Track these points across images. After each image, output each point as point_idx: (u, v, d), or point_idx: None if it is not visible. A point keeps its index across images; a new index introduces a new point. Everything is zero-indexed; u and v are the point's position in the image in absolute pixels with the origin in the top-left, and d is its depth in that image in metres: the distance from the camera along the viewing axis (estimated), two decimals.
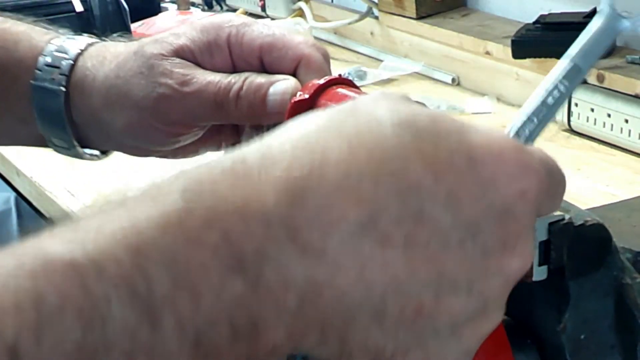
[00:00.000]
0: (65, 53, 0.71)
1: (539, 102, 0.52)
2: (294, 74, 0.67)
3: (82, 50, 0.72)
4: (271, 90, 0.66)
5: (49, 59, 0.71)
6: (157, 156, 0.72)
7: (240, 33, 0.68)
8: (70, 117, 0.72)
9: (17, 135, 0.77)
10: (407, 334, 0.42)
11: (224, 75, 0.67)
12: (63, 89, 0.71)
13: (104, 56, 0.71)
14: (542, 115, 0.51)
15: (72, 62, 0.71)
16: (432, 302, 0.42)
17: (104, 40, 0.74)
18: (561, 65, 0.53)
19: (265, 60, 0.68)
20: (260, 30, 0.68)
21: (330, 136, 0.42)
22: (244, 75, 0.67)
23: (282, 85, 0.66)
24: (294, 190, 0.40)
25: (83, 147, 0.74)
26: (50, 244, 0.38)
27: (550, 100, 0.51)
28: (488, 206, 0.42)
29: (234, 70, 0.68)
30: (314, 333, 0.41)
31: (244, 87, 0.66)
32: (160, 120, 0.68)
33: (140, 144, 0.71)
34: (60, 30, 0.75)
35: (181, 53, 0.68)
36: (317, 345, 0.41)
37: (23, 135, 0.76)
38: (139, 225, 0.39)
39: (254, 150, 0.42)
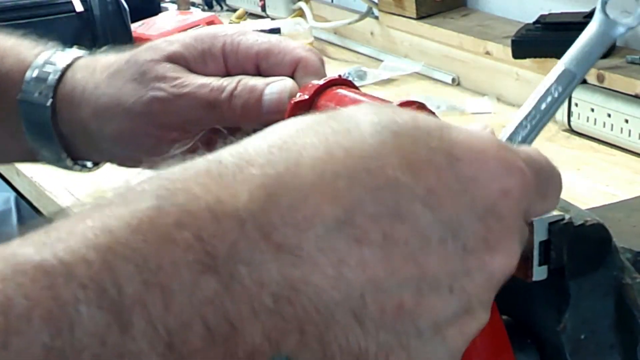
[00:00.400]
0: (53, 65, 0.72)
1: (532, 107, 0.52)
2: (291, 78, 0.67)
3: (70, 63, 0.72)
4: (267, 90, 0.66)
5: (35, 73, 0.71)
6: (148, 167, 0.72)
7: (235, 42, 0.68)
8: (58, 130, 0.72)
9: (8, 151, 0.77)
10: (389, 335, 0.41)
11: (217, 78, 0.67)
12: (49, 101, 0.71)
13: (94, 67, 0.71)
14: (536, 120, 0.51)
15: (59, 74, 0.71)
16: (412, 301, 0.41)
17: (97, 49, 0.74)
18: (555, 70, 0.53)
19: (262, 66, 0.68)
20: (256, 38, 0.68)
21: (308, 137, 0.42)
22: (237, 77, 0.67)
23: (279, 85, 0.66)
24: (268, 189, 0.40)
25: (74, 159, 0.75)
26: (21, 247, 0.37)
27: (543, 105, 0.51)
28: (469, 204, 0.42)
29: (226, 75, 0.68)
30: (293, 334, 0.40)
31: (238, 87, 0.66)
32: (152, 125, 0.68)
33: (132, 153, 0.71)
34: (50, 43, 0.75)
35: (174, 59, 0.68)
36: (298, 348, 0.40)
37: (14, 151, 0.76)
38: (110, 225, 0.38)
39: (230, 151, 0.42)
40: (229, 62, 0.68)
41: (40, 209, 1.43)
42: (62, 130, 0.72)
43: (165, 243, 0.38)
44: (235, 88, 0.66)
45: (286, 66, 0.67)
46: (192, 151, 0.69)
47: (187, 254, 0.38)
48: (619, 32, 0.55)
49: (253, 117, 0.66)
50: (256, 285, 0.39)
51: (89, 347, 0.36)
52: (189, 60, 0.68)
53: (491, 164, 0.43)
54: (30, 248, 0.37)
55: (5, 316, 0.35)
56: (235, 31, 0.69)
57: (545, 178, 0.46)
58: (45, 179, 1.41)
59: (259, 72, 0.68)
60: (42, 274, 0.36)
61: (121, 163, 0.73)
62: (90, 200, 0.40)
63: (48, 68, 0.71)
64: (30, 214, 1.51)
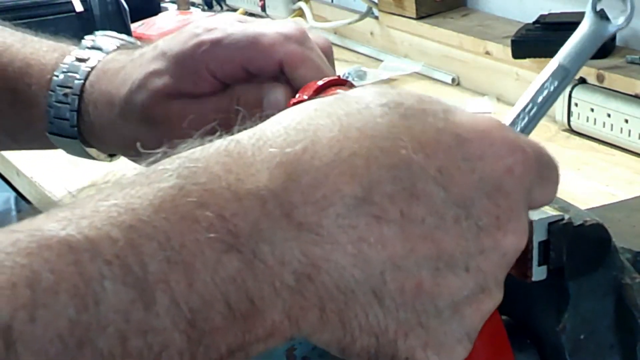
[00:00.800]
0: (76, 73, 0.72)
1: (529, 99, 0.52)
2: (283, 73, 0.66)
3: (93, 68, 0.72)
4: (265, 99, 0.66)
5: (61, 78, 0.72)
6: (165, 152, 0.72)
7: (216, 56, 0.66)
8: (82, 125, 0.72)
9: (26, 141, 0.78)
10: (408, 313, 0.42)
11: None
12: (75, 106, 0.71)
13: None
14: (533, 112, 0.52)
15: (83, 81, 0.72)
16: (431, 279, 0.41)
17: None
18: (550, 66, 0.54)
19: (251, 69, 0.67)
20: (234, 43, 0.66)
21: (321, 118, 0.42)
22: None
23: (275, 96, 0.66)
24: (288, 168, 0.40)
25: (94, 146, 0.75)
26: (46, 223, 0.38)
27: (540, 98, 0.52)
28: (479, 182, 0.43)
29: (223, 86, 0.68)
30: (313, 311, 0.40)
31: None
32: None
33: (155, 129, 0.69)
34: (65, 42, 0.75)
35: (165, 93, 0.68)
36: (318, 327, 0.41)
37: (32, 135, 0.76)
38: (134, 203, 0.39)
39: (247, 133, 0.43)
40: (218, 75, 0.67)
41: (41, 209, 1.43)
42: (86, 126, 0.72)
43: (187, 222, 0.38)
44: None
45: (271, 67, 0.66)
46: (212, 133, 0.69)
47: (209, 233, 0.38)
48: (609, 31, 0.56)
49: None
50: (278, 264, 0.39)
51: (114, 323, 0.36)
52: (180, 89, 0.68)
53: (495, 142, 0.43)
54: (55, 224, 0.38)
55: (32, 290, 0.36)
56: (212, 40, 0.66)
57: (546, 162, 0.46)
58: (45, 179, 1.41)
59: (250, 74, 0.67)
60: (68, 249, 0.37)
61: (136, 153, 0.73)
62: (111, 178, 0.41)
63: (72, 74, 0.72)
64: (30, 214, 1.51)
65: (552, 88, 0.53)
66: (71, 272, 0.36)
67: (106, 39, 0.75)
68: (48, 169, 1.42)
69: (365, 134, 0.41)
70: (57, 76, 0.72)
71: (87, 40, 0.74)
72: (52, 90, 0.72)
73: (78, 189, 0.42)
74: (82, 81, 0.72)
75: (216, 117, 0.65)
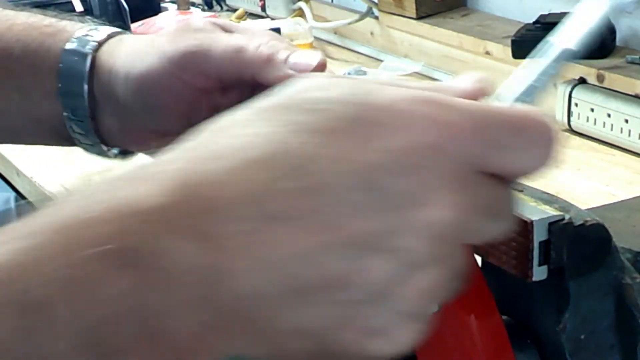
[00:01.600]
0: (91, 37, 0.74)
1: (525, 87, 0.51)
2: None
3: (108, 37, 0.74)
4: (293, 55, 0.66)
5: (75, 43, 0.74)
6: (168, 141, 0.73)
7: (205, 60, 0.68)
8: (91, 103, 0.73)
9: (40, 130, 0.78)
10: (339, 308, 0.41)
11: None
12: (90, 53, 0.72)
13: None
14: (539, 75, 0.50)
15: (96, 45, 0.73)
16: (349, 268, 0.41)
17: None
18: (552, 50, 0.52)
19: (244, 76, 0.68)
20: (219, 53, 0.68)
21: (222, 137, 0.43)
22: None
23: (307, 55, 0.66)
24: (187, 180, 0.40)
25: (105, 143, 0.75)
26: None
27: (539, 83, 0.50)
28: (390, 162, 0.41)
29: (223, 84, 0.69)
30: (236, 326, 0.40)
31: (268, 43, 0.67)
32: (186, 72, 0.68)
33: (161, 116, 0.71)
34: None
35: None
36: (249, 341, 0.40)
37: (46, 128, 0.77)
38: (35, 228, 0.38)
39: (155, 155, 0.43)
40: (219, 77, 0.68)
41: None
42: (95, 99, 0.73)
43: (82, 241, 0.38)
44: (265, 42, 0.67)
45: (251, 77, 0.67)
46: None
47: (105, 252, 0.38)
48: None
49: (275, 65, 0.66)
50: (179, 278, 0.39)
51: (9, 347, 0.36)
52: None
53: (414, 120, 0.42)
54: None
55: None
56: (197, 46, 0.68)
57: (499, 127, 0.44)
58: (45, 179, 1.41)
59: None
60: None
61: (142, 141, 0.74)
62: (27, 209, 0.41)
63: (88, 38, 0.74)
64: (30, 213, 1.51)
65: (555, 72, 0.51)
66: None
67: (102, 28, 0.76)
68: (48, 169, 1.42)
69: (260, 138, 0.41)
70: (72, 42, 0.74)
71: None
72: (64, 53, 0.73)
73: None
74: (95, 44, 0.73)
75: (237, 44, 0.67)
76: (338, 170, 0.41)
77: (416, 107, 0.43)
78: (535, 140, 0.46)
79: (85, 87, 0.73)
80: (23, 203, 1.52)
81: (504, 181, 0.45)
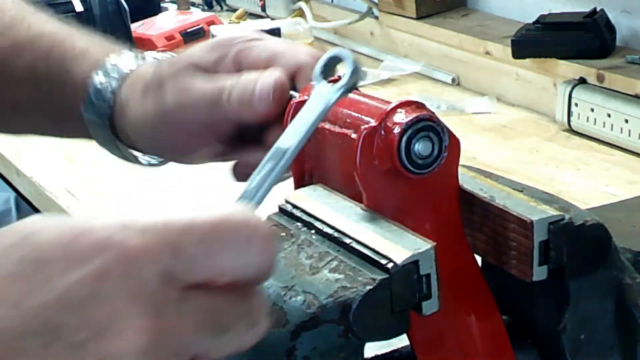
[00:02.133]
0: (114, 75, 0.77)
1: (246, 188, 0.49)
2: (292, 80, 0.69)
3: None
4: (258, 82, 0.68)
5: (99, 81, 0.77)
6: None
7: (247, 48, 0.71)
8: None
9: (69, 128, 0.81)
10: None
11: (224, 77, 0.70)
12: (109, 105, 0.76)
13: (135, 79, 0.76)
14: (259, 195, 0.48)
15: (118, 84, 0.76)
16: None
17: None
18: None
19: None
20: (267, 44, 0.71)
21: None
22: (238, 74, 0.70)
23: (270, 76, 0.68)
24: None
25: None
26: None
27: (255, 183, 0.49)
28: (63, 300, 0.40)
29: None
30: None
31: (237, 83, 0.69)
32: (172, 130, 0.72)
33: (169, 157, 0.77)
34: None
35: (190, 70, 0.72)
36: None
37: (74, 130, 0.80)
38: None
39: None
40: (242, 67, 0.70)
41: (40, 209, 1.44)
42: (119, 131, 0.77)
43: None
44: (233, 85, 0.69)
45: (288, 70, 0.69)
46: (223, 154, 0.72)
47: None
48: (334, 98, 0.54)
49: (249, 110, 0.68)
50: None
51: None
52: (204, 69, 0.72)
53: (76, 252, 0.41)
54: None
55: None
56: (252, 37, 0.72)
57: (190, 238, 0.42)
58: (45, 179, 1.41)
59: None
60: None
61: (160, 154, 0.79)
62: None
63: (112, 74, 0.77)
64: (30, 214, 1.51)
65: (267, 169, 0.49)
66: None
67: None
68: (48, 169, 1.42)
69: None
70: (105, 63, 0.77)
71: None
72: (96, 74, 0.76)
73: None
74: (124, 74, 0.76)
75: (211, 98, 0.69)
76: (15, 318, 0.40)
77: (91, 236, 0.41)
78: (236, 241, 0.43)
79: (107, 122, 0.77)
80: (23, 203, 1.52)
81: (237, 289, 0.43)
